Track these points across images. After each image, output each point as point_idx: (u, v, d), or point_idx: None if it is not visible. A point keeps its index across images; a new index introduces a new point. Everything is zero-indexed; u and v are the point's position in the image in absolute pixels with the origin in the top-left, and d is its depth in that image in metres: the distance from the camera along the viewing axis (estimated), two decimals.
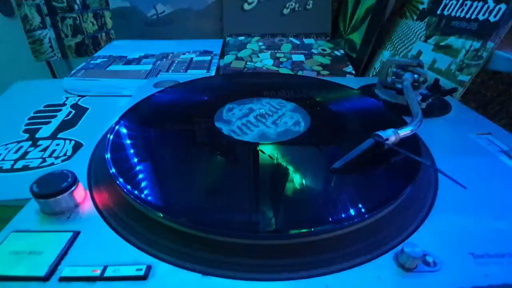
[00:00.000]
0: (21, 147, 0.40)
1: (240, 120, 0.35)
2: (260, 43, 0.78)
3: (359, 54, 0.68)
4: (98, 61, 0.70)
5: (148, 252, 0.20)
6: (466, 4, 0.47)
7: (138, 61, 0.70)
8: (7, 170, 0.35)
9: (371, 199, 0.23)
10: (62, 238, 0.21)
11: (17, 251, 0.20)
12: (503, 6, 0.41)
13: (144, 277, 0.18)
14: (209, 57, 0.71)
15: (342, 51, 0.73)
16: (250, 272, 0.19)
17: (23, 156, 0.38)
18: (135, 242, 0.21)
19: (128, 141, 0.30)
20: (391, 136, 0.27)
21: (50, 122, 0.46)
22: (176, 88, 0.44)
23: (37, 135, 0.43)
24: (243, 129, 0.33)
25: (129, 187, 0.23)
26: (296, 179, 0.26)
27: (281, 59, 0.69)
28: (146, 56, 0.72)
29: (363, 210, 0.22)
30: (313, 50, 0.73)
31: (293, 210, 0.23)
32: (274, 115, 0.36)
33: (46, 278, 0.18)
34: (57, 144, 0.41)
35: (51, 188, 0.22)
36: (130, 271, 0.18)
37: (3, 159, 0.37)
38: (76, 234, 0.21)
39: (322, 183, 0.26)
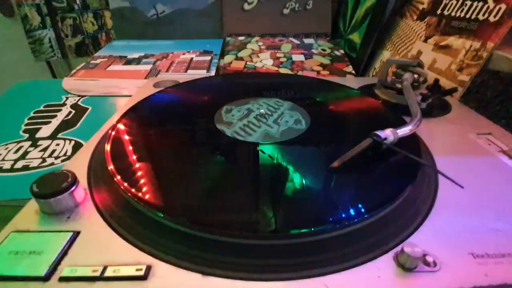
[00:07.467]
0: (21, 147, 0.40)
1: (240, 120, 0.35)
2: (260, 43, 0.78)
3: (359, 54, 0.68)
4: (98, 61, 0.70)
5: (148, 252, 0.20)
6: (466, 4, 0.47)
7: (138, 61, 0.70)
8: (7, 170, 0.35)
9: (371, 199, 0.23)
10: (62, 238, 0.21)
11: (17, 251, 0.20)
12: (503, 6, 0.41)
13: (144, 277, 0.18)
14: (209, 57, 0.71)
15: (342, 51, 0.73)
16: (250, 272, 0.19)
17: (23, 156, 0.38)
18: (135, 242, 0.21)
19: (128, 141, 0.30)
20: (389, 135, 0.27)
21: (50, 122, 0.46)
22: (176, 88, 0.44)
23: (37, 135, 0.43)
24: (243, 128, 0.33)
25: (129, 186, 0.23)
26: (296, 179, 0.26)
27: (281, 59, 0.69)
28: (146, 56, 0.72)
29: (363, 210, 0.22)
30: (313, 50, 0.73)
31: (293, 210, 0.23)
32: (274, 115, 0.36)
33: (46, 278, 0.18)
34: (57, 144, 0.41)
35: (51, 188, 0.22)
36: (130, 271, 0.18)
37: (3, 159, 0.37)
38: (76, 234, 0.21)
39: (323, 183, 0.26)
